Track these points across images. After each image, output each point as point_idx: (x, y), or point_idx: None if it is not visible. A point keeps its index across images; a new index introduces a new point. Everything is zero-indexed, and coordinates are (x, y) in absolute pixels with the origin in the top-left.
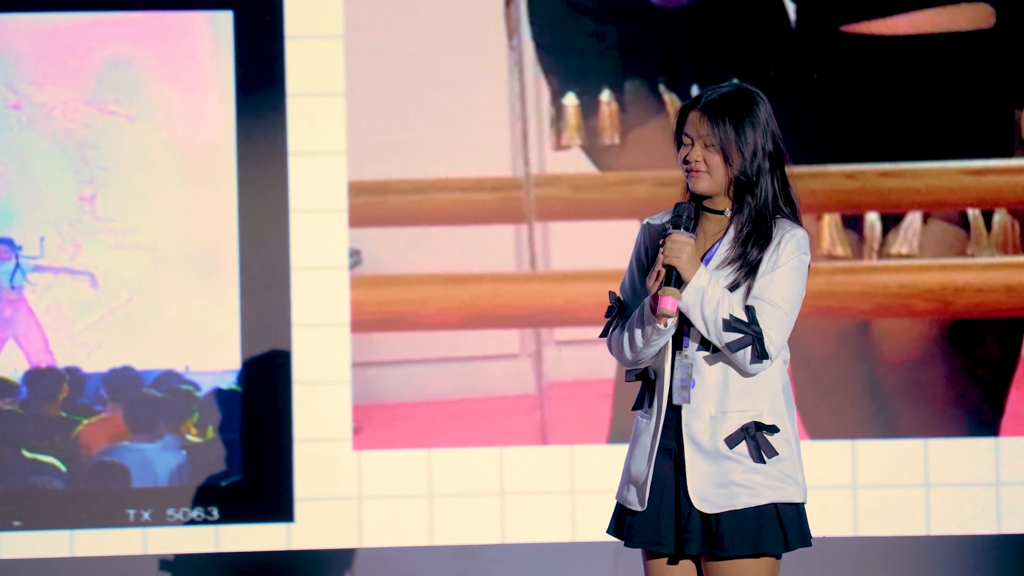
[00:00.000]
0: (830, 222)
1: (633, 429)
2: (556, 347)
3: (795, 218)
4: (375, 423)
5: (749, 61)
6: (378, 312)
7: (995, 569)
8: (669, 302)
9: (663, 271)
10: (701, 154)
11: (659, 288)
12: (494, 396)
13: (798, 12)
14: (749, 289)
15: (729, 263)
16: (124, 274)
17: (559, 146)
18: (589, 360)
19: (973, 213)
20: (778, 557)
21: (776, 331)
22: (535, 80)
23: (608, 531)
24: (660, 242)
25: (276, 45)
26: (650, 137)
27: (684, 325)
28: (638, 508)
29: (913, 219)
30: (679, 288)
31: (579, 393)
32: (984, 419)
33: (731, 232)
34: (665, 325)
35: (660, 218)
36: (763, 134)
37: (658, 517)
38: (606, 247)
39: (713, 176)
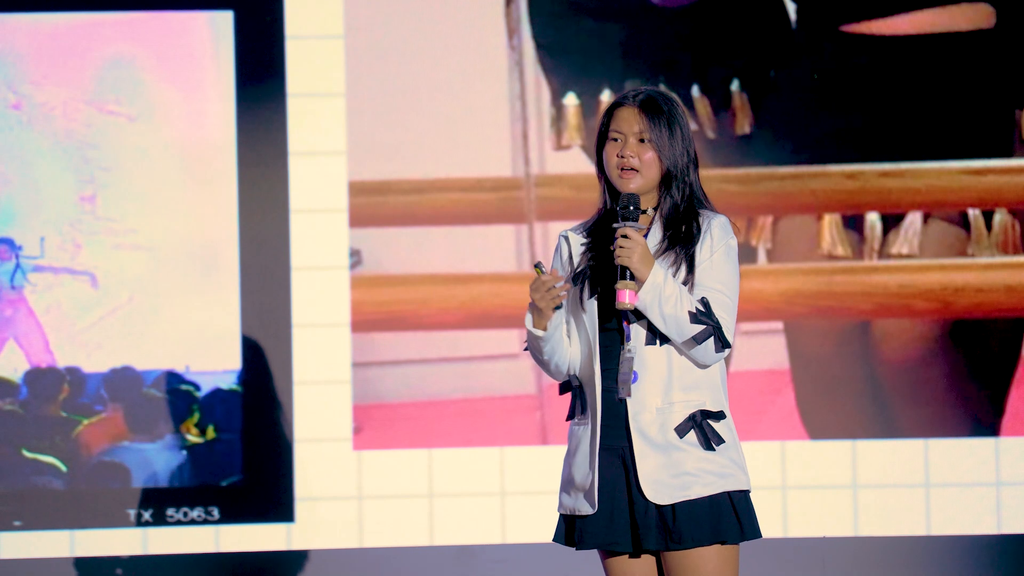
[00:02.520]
0: (830, 222)
1: (569, 440)
2: None
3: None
4: (375, 423)
5: (749, 61)
6: (378, 312)
7: (995, 569)
8: (627, 295)
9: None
10: (635, 150)
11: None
12: (494, 396)
13: (798, 12)
14: (690, 282)
15: (665, 259)
16: (124, 274)
17: (559, 146)
18: None
19: (973, 213)
20: (735, 544)
21: (728, 319)
22: (535, 80)
23: (555, 539)
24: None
25: (276, 45)
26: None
27: (624, 320)
28: (589, 512)
29: (913, 219)
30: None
31: None
32: (984, 419)
33: (656, 229)
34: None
35: (578, 230)
36: (685, 133)
37: (611, 517)
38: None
39: (645, 174)
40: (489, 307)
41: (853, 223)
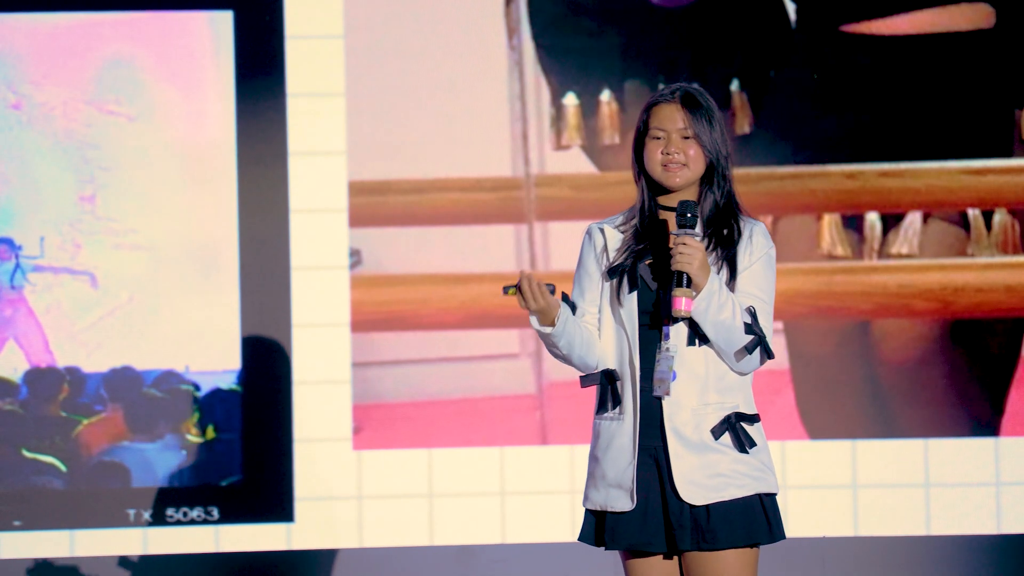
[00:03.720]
0: (830, 222)
1: (596, 434)
2: None
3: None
4: (375, 423)
5: (749, 61)
6: (378, 312)
7: (995, 569)
8: (683, 302)
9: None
10: (680, 146)
11: (672, 289)
12: (494, 396)
13: (798, 12)
14: (732, 287)
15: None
16: (124, 274)
17: (559, 146)
18: None
19: (973, 213)
20: (759, 546)
21: (769, 328)
22: (535, 80)
23: (581, 538)
24: (669, 244)
25: (276, 45)
26: None
27: (665, 319)
28: (623, 508)
29: (913, 219)
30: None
31: (579, 393)
32: (984, 419)
33: (698, 228)
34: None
35: (611, 222)
36: (722, 128)
37: (644, 517)
38: None
39: (692, 168)
40: (489, 307)
41: (853, 223)
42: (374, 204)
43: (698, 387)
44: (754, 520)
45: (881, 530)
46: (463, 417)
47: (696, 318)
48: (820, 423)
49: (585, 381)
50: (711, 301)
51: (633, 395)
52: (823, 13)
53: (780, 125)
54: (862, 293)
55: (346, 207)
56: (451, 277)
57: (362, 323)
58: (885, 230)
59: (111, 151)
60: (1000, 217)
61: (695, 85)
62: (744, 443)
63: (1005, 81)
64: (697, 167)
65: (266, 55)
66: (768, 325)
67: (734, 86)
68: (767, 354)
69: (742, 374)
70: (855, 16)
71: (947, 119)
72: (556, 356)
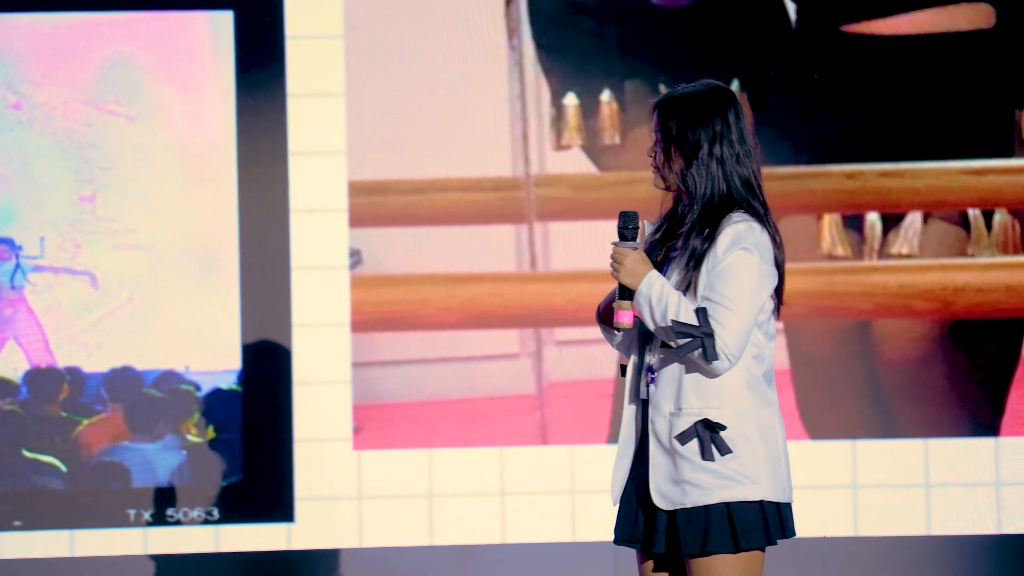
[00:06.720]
0: (830, 222)
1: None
2: (556, 347)
3: (755, 213)
4: (375, 423)
5: (749, 61)
6: (378, 312)
7: (995, 569)
8: (623, 316)
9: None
10: (654, 150)
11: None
12: (494, 396)
13: (798, 12)
14: (693, 284)
15: (679, 261)
16: (124, 274)
17: (559, 146)
18: (589, 360)
19: (973, 213)
20: (760, 550)
21: (728, 331)
22: (535, 80)
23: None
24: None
25: (276, 45)
26: (650, 137)
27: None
28: (616, 502)
29: (913, 219)
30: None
31: (579, 393)
32: (984, 419)
33: (687, 226)
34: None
35: (654, 223)
36: (708, 128)
37: (636, 513)
38: (606, 247)
39: (665, 173)
40: (489, 307)
41: (853, 223)
42: (374, 204)
43: (673, 392)
44: (711, 529)
45: (881, 530)
46: (463, 417)
47: (642, 319)
48: (820, 423)
49: (622, 371)
50: (646, 304)
51: (633, 392)
52: (823, 13)
53: (780, 125)
54: (862, 293)
55: (346, 207)
56: (451, 277)
57: (362, 323)
58: (885, 230)
59: (111, 151)
60: (1000, 217)
61: (705, 81)
62: (707, 451)
63: (1005, 81)
64: (668, 172)
65: (266, 55)
66: (721, 325)
67: (734, 86)
68: (707, 357)
69: (711, 375)
70: (855, 16)
71: (947, 119)
72: (613, 345)
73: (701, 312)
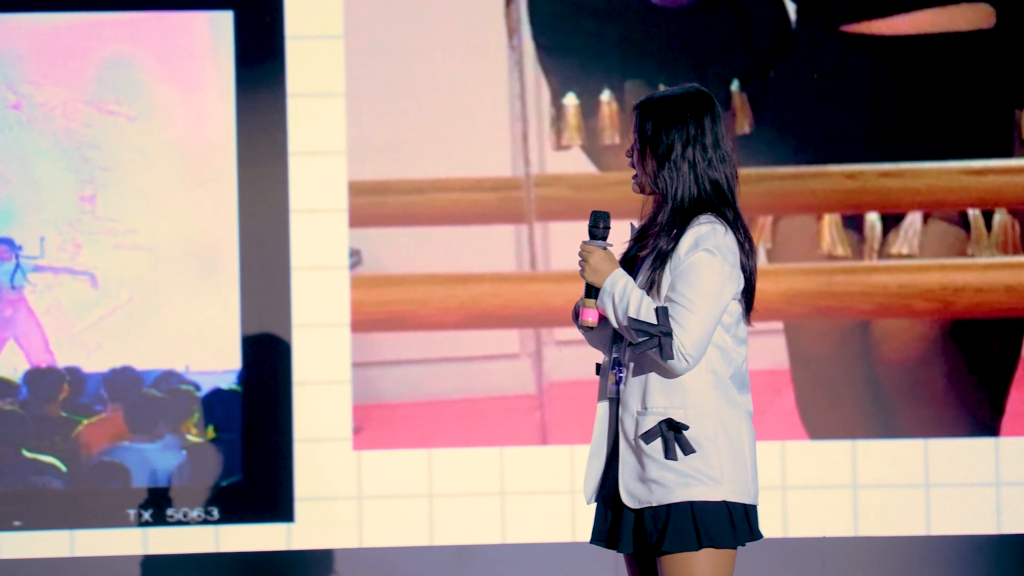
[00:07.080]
0: (830, 222)
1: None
2: (556, 347)
3: (724, 218)
4: (375, 423)
5: (749, 61)
6: (378, 312)
7: (995, 569)
8: (588, 314)
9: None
10: (632, 151)
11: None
12: (494, 396)
13: (798, 12)
14: (656, 283)
15: (648, 257)
16: (124, 274)
17: (559, 146)
18: (589, 360)
19: (973, 213)
20: (729, 548)
21: (686, 332)
22: (535, 80)
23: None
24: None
25: (276, 45)
26: None
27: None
28: (590, 501)
29: (913, 219)
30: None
31: (579, 393)
32: (984, 419)
33: (657, 227)
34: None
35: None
36: (683, 131)
37: (606, 513)
38: None
39: (641, 176)
40: (489, 307)
41: (853, 223)
42: (374, 204)
43: (640, 391)
44: (674, 527)
45: (881, 530)
46: (463, 417)
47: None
48: (820, 423)
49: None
50: (609, 302)
51: (604, 390)
52: (823, 13)
53: (780, 125)
54: (862, 293)
55: (346, 207)
56: (451, 277)
57: (362, 323)
58: (885, 230)
59: (111, 151)
60: (1000, 217)
61: (692, 85)
62: (671, 450)
63: (1005, 81)
64: (643, 173)
65: (266, 55)
66: (681, 325)
67: (734, 86)
68: (663, 356)
69: (671, 375)
70: (855, 16)
71: (947, 119)
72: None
73: (661, 311)
